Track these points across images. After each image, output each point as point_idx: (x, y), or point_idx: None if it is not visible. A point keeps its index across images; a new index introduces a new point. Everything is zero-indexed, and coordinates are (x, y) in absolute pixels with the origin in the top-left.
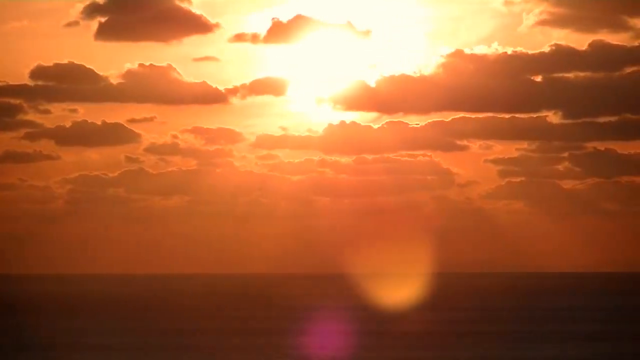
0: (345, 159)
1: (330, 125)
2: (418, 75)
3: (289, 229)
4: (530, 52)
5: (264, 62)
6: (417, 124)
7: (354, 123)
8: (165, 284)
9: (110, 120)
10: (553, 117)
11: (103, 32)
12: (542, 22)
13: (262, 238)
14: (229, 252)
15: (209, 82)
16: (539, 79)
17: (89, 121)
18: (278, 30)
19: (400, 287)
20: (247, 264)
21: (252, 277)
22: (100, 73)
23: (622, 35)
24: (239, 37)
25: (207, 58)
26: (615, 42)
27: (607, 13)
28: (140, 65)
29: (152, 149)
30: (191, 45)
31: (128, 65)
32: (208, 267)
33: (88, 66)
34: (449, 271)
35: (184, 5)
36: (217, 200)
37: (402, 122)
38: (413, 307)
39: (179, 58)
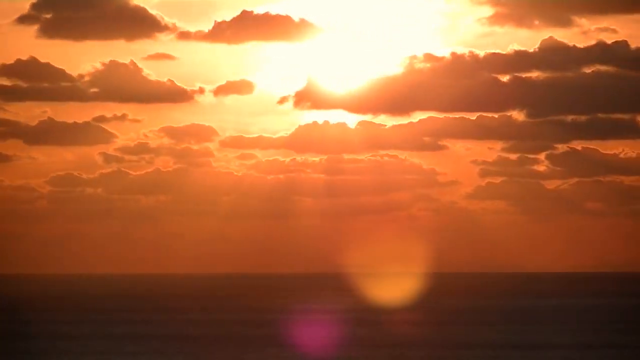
0: (317, 159)
1: (300, 124)
2: (384, 76)
3: (268, 229)
4: (487, 52)
5: (227, 61)
6: (385, 124)
7: (326, 123)
8: (134, 283)
9: (80, 119)
10: (518, 115)
11: (54, 29)
12: (494, 22)
13: (242, 238)
14: (211, 252)
15: (173, 81)
16: (504, 78)
17: (58, 120)
18: (236, 29)
19: (384, 286)
20: (229, 264)
21: (234, 276)
22: (70, 72)
23: (570, 33)
24: (197, 36)
25: (165, 56)
26: (567, 41)
27: (555, 11)
28: (103, 63)
29: (127, 149)
30: (146, 44)
31: (91, 64)
32: (189, 267)
33: (55, 65)
34: (433, 271)
35: (139, 3)
36: (196, 199)
37: (373, 122)
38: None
39: (139, 56)
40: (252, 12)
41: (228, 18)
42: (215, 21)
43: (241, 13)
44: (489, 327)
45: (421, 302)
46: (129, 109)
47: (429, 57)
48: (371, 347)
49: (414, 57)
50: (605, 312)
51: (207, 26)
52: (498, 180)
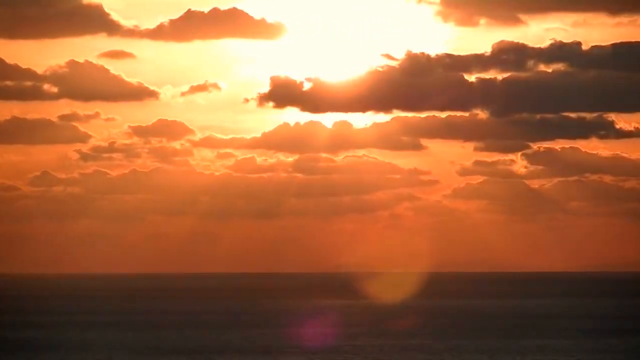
0: (290, 159)
1: (273, 124)
2: (351, 76)
3: (249, 229)
4: (444, 52)
5: (188, 59)
6: (363, 124)
7: (297, 123)
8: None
9: (46, 117)
10: (484, 114)
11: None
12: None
13: (223, 237)
14: (197, 251)
15: (140, 81)
16: (471, 78)
17: (28, 118)
18: (193, 27)
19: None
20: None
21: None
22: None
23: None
24: (156, 34)
25: (124, 54)
26: (520, 41)
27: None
28: (65, 62)
29: (102, 148)
30: (103, 41)
31: (54, 62)
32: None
33: (9, 62)
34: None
35: (94, 1)
36: (176, 199)
37: (347, 121)
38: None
39: (96, 54)
40: (200, 10)
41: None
42: (171, 19)
43: (210, 11)
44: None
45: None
46: (95, 107)
47: (393, 57)
48: None
49: (379, 57)
50: (467, 315)
51: (165, 24)
52: (477, 179)
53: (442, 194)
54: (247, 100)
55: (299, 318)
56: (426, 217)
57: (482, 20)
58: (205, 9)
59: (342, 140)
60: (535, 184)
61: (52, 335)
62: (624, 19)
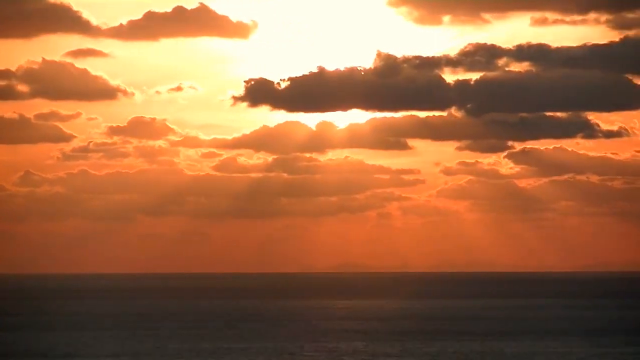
0: (270, 158)
1: (256, 124)
2: (326, 75)
3: (240, 229)
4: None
5: (163, 58)
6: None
7: (277, 123)
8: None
9: (19, 116)
10: (463, 114)
11: None
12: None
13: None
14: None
15: (105, 78)
16: (448, 79)
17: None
18: (167, 25)
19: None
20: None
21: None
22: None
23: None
24: (126, 33)
25: (96, 53)
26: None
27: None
28: (38, 61)
29: (86, 147)
30: (74, 41)
31: (21, 61)
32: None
33: None
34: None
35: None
36: (163, 199)
37: (328, 121)
38: None
39: (69, 54)
40: (182, 7)
41: (160, 14)
42: (144, 16)
43: (173, 10)
44: None
45: None
46: (69, 106)
47: (364, 57)
48: None
49: (350, 57)
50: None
51: (136, 22)
52: (462, 179)
53: (428, 194)
54: (223, 100)
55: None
56: (413, 217)
57: (447, 19)
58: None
59: (325, 140)
60: (520, 183)
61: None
62: (590, 17)
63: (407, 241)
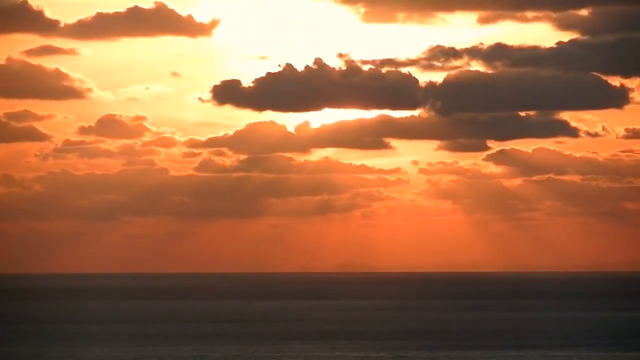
0: (242, 157)
1: (237, 124)
2: (293, 76)
3: (224, 229)
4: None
5: (129, 56)
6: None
7: (253, 123)
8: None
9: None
10: (427, 113)
11: None
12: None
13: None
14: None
15: (71, 76)
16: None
17: None
18: (133, 24)
19: None
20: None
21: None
22: None
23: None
24: (88, 31)
25: (59, 51)
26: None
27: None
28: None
29: (64, 148)
30: (35, 39)
31: None
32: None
33: None
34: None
35: None
36: (146, 198)
37: (303, 121)
38: None
39: (31, 51)
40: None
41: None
42: (99, 14)
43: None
44: None
45: None
46: (33, 105)
47: (326, 58)
48: None
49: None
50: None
51: (96, 20)
52: (442, 179)
53: (410, 194)
54: (191, 100)
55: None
56: (394, 217)
57: (401, 16)
58: (146, 5)
59: (302, 139)
60: (501, 183)
61: None
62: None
63: (396, 241)
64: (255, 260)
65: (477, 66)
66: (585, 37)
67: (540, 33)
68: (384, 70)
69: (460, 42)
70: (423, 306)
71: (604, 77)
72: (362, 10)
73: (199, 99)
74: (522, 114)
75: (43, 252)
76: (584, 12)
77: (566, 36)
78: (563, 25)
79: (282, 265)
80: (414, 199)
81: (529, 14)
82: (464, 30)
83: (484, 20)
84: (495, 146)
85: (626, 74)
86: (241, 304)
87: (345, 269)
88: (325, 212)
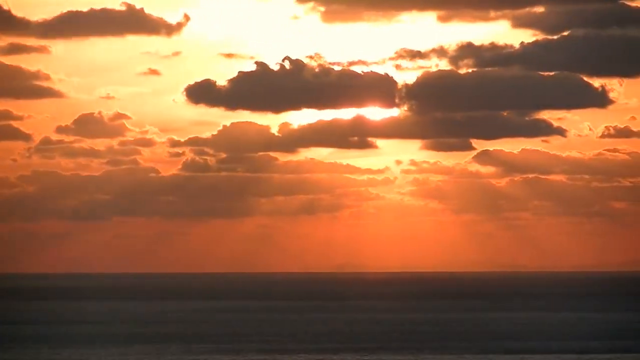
0: (222, 157)
1: (217, 124)
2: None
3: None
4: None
5: (104, 55)
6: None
7: (231, 123)
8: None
9: None
10: (406, 113)
11: None
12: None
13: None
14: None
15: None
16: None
17: None
18: (104, 22)
19: None
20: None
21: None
22: None
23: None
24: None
25: (31, 50)
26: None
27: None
28: None
29: (36, 147)
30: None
31: None
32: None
33: None
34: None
35: None
36: (132, 199)
37: (288, 121)
38: None
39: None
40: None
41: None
42: (70, 13)
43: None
44: None
45: None
46: (8, 105)
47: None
48: None
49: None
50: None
51: (66, 18)
52: (425, 178)
53: (394, 193)
54: (166, 99)
55: None
56: (378, 217)
57: (369, 20)
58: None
59: (288, 139)
60: (487, 183)
61: None
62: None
63: (385, 241)
64: (234, 260)
65: (446, 66)
66: (549, 36)
67: (501, 31)
68: (360, 70)
69: (424, 42)
70: (294, 307)
71: (579, 76)
72: (322, 9)
73: (173, 100)
74: (503, 113)
75: (21, 251)
76: (539, 9)
77: (527, 34)
78: (524, 24)
79: (262, 265)
80: (394, 198)
81: (490, 12)
82: (425, 29)
83: (443, 19)
84: (477, 145)
85: (601, 73)
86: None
87: (336, 269)
88: (310, 212)
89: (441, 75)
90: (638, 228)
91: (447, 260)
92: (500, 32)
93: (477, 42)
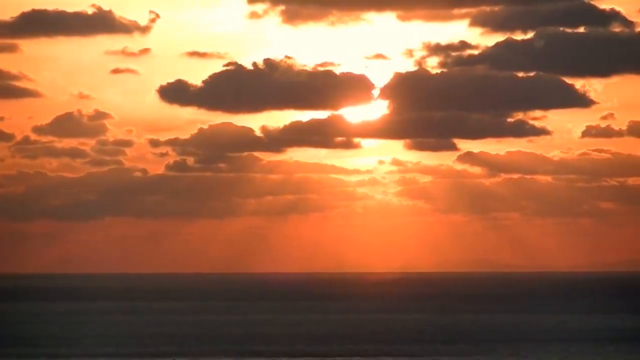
0: (209, 158)
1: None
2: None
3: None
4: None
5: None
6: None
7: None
8: None
9: None
10: (385, 113)
11: None
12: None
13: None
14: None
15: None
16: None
17: None
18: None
19: None
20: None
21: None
22: None
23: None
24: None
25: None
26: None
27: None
28: None
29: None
30: None
31: None
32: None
33: None
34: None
35: None
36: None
37: (270, 121)
38: None
39: None
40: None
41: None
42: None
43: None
44: None
45: None
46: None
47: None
48: None
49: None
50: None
51: (32, 17)
52: (411, 178)
53: (379, 193)
54: (141, 99)
55: None
56: (362, 217)
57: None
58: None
59: (270, 139)
60: (472, 183)
61: None
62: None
63: (375, 241)
64: (218, 260)
65: (418, 66)
66: (518, 36)
67: (463, 30)
68: (337, 71)
69: (389, 42)
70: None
71: (556, 77)
72: (281, 9)
73: (148, 100)
74: (483, 113)
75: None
76: (497, 8)
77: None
78: (485, 23)
79: (246, 265)
80: (378, 198)
81: (452, 11)
82: (386, 28)
83: (404, 19)
84: (461, 145)
85: (572, 73)
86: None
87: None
88: (296, 212)
89: (415, 75)
90: (624, 228)
91: (430, 261)
92: (456, 31)
93: (438, 41)
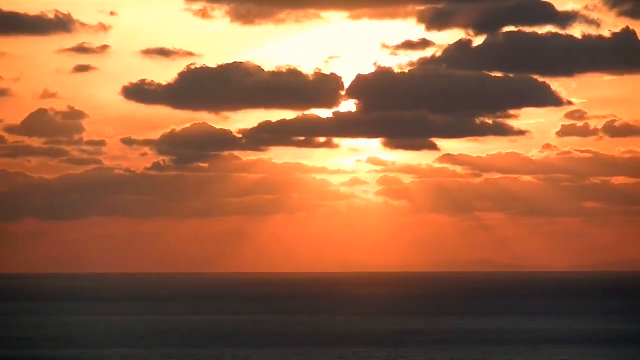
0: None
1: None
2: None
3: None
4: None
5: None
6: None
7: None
8: None
9: None
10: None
11: None
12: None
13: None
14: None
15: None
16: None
17: None
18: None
19: None
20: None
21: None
22: None
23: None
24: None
25: None
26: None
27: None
28: None
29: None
30: None
31: None
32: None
33: None
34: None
35: None
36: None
37: (246, 121)
38: None
39: None
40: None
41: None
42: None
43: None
44: None
45: None
46: None
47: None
48: None
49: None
50: None
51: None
52: (393, 178)
53: (360, 192)
54: (112, 98)
55: None
56: (344, 218)
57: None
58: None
59: (246, 139)
60: (452, 182)
61: None
62: None
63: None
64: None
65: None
66: (481, 36)
67: (411, 29)
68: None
69: (341, 40)
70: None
71: (528, 76)
72: (226, 9)
73: (115, 97)
74: (460, 113)
75: None
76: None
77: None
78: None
79: (224, 265)
80: (351, 197)
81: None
82: (338, 26)
83: (355, 17)
84: (438, 144)
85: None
86: None
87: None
88: (274, 212)
89: (386, 73)
90: (608, 228)
91: (407, 260)
92: (405, 29)
93: (391, 39)
